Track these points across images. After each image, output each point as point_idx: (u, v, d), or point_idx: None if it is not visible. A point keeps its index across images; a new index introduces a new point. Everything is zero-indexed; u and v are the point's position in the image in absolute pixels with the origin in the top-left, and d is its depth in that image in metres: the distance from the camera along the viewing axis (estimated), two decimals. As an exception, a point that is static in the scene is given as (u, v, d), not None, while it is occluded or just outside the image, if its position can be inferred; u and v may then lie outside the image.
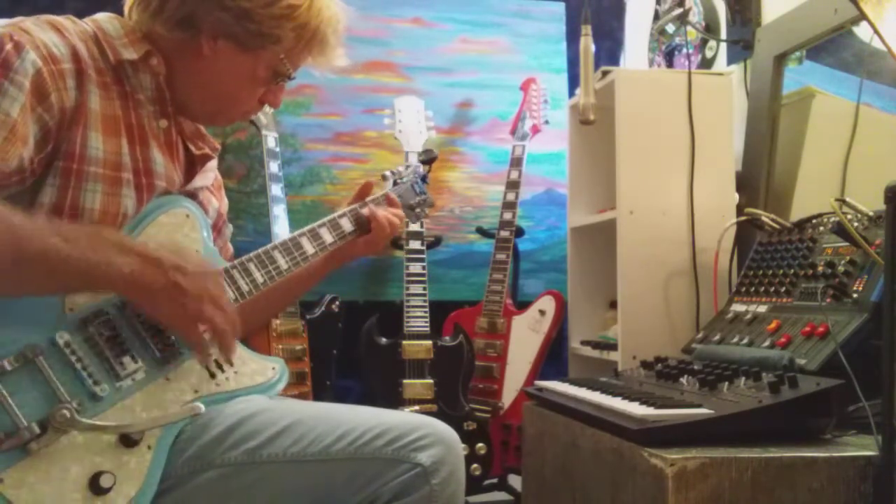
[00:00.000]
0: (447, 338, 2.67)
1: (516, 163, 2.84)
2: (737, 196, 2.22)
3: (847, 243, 1.53)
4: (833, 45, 2.07)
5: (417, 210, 1.67)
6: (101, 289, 1.14)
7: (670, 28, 2.70)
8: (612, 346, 2.25)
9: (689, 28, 2.62)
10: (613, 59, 3.24)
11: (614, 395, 1.47)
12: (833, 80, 2.13)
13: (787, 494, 1.18)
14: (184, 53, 1.29)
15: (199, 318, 1.15)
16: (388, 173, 1.66)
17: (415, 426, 1.25)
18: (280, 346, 2.49)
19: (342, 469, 1.21)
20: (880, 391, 1.11)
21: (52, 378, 1.09)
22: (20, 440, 1.04)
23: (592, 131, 2.41)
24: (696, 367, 1.55)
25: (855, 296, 1.46)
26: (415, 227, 2.65)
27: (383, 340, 2.60)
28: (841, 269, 1.52)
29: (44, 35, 1.15)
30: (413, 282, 2.63)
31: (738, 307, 1.77)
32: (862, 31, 1.94)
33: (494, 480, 2.72)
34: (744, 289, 1.80)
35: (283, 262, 1.37)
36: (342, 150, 2.94)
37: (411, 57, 3.04)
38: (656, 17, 2.93)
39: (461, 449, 1.29)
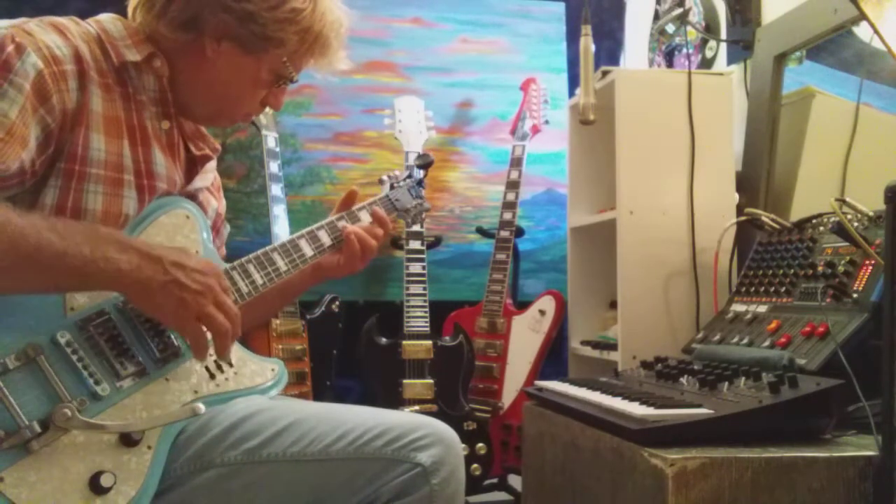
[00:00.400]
0: (447, 338, 2.67)
1: (516, 163, 2.84)
2: (737, 196, 2.22)
3: (847, 243, 1.53)
4: (833, 45, 2.07)
5: (413, 215, 1.67)
6: (99, 286, 1.14)
7: (670, 28, 2.70)
8: (612, 346, 2.25)
9: (689, 28, 2.62)
10: (613, 59, 3.24)
11: (614, 395, 1.47)
12: (833, 80, 2.13)
13: (787, 494, 1.18)
14: (187, 55, 1.29)
15: (199, 316, 1.15)
16: (384, 177, 1.65)
17: (415, 426, 1.25)
18: (280, 346, 2.49)
19: (342, 469, 1.21)
20: (880, 391, 1.11)
21: (53, 377, 1.09)
22: (21, 439, 1.04)
23: (592, 131, 2.41)
24: (696, 367, 1.55)
25: (855, 296, 1.46)
26: (415, 227, 2.65)
27: (383, 340, 2.60)
28: (841, 269, 1.52)
29: (46, 37, 1.15)
30: (413, 282, 2.63)
31: (738, 307, 1.77)
32: (862, 31, 1.94)
33: (494, 480, 2.72)
34: (744, 289, 1.80)
35: (282, 264, 1.37)
36: (342, 150, 2.94)
37: (411, 57, 3.04)
38: (656, 17, 2.93)
39: (461, 449, 1.29)
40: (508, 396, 2.73)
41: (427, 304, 2.63)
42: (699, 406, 1.30)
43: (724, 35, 2.50)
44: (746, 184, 2.23)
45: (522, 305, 2.83)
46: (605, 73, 2.28)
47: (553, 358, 2.78)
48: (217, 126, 1.45)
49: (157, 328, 1.21)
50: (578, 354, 2.54)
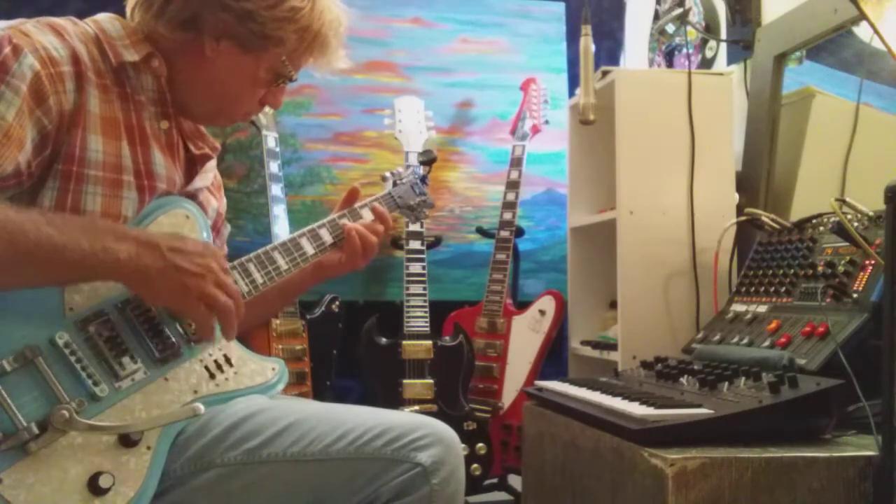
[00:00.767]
0: (447, 338, 2.67)
1: (516, 163, 2.83)
2: (737, 196, 2.22)
3: (847, 243, 1.53)
4: (833, 45, 2.07)
5: (417, 211, 1.67)
6: (99, 277, 1.14)
7: (670, 28, 2.70)
8: (612, 346, 2.25)
9: (689, 28, 2.62)
10: (613, 59, 3.24)
11: (614, 395, 1.47)
12: (833, 80, 2.13)
13: (787, 494, 1.18)
14: (186, 54, 1.29)
15: (201, 297, 1.15)
16: (387, 174, 1.65)
17: (415, 426, 1.25)
18: (280, 346, 2.49)
19: (342, 469, 1.21)
20: (880, 391, 1.11)
21: (52, 378, 1.09)
22: (19, 441, 1.04)
23: (592, 131, 2.41)
24: (696, 367, 1.54)
25: (855, 296, 1.45)
26: (415, 227, 2.65)
27: (383, 340, 2.60)
28: (841, 269, 1.52)
29: (43, 38, 1.15)
30: (413, 282, 2.63)
31: (738, 307, 1.77)
32: (862, 31, 1.94)
33: (494, 480, 2.72)
34: (744, 289, 1.80)
35: (282, 263, 1.37)
36: (342, 150, 2.94)
37: (411, 57, 3.04)
38: (656, 17, 2.93)
39: (461, 449, 1.29)
40: (508, 396, 2.73)
41: (427, 304, 2.63)
42: (699, 406, 1.30)
43: (724, 35, 2.50)
44: (746, 184, 2.23)
45: (522, 305, 2.83)
46: (605, 73, 2.28)
47: (553, 358, 2.78)
48: (216, 125, 1.45)
49: (156, 328, 1.21)
50: (578, 354, 2.54)
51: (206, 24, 1.26)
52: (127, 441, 1.12)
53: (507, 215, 2.80)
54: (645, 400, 1.37)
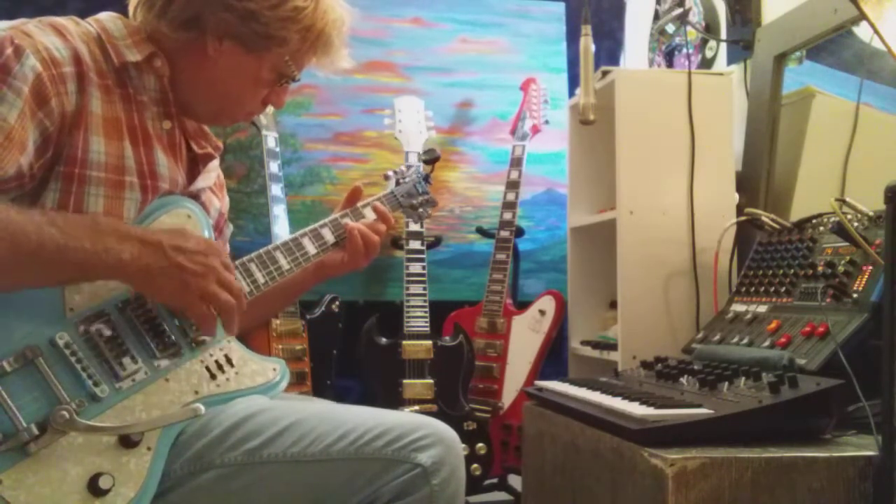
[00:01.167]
0: (447, 338, 2.67)
1: (516, 163, 2.83)
2: (737, 196, 2.22)
3: (847, 243, 1.53)
4: (833, 45, 2.07)
5: (420, 210, 1.67)
6: (101, 277, 1.14)
7: (670, 28, 2.70)
8: (612, 346, 2.25)
9: (689, 28, 2.62)
10: (613, 59, 3.24)
11: (614, 395, 1.47)
12: (833, 80, 2.13)
13: (787, 494, 1.18)
14: (188, 54, 1.29)
15: (203, 295, 1.16)
16: (390, 173, 1.65)
17: (415, 426, 1.25)
18: (280, 346, 2.49)
19: (342, 469, 1.21)
20: (880, 391, 1.11)
21: (52, 379, 1.09)
22: (19, 441, 1.04)
23: (592, 131, 2.41)
24: (696, 367, 1.54)
25: (855, 296, 1.46)
26: (415, 227, 2.65)
27: (383, 340, 2.60)
28: (841, 269, 1.52)
29: (45, 38, 1.15)
30: (413, 282, 2.63)
31: (738, 307, 1.77)
32: (862, 31, 1.94)
33: (494, 480, 2.72)
34: (744, 289, 1.80)
35: (284, 263, 1.37)
36: (342, 150, 2.94)
37: (411, 57, 3.04)
38: (656, 17, 2.93)
39: (461, 449, 1.29)
40: (508, 396, 2.73)
41: (427, 304, 2.63)
42: (699, 406, 1.30)
43: (724, 35, 2.50)
44: (746, 184, 2.23)
45: (522, 305, 2.83)
46: (605, 73, 2.28)
47: (553, 358, 2.78)
48: (219, 125, 1.45)
49: (156, 329, 1.21)
50: (578, 354, 2.54)
51: (209, 23, 1.26)
52: (127, 442, 1.12)
53: (507, 215, 2.80)
54: (645, 400, 1.37)
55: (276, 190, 2.60)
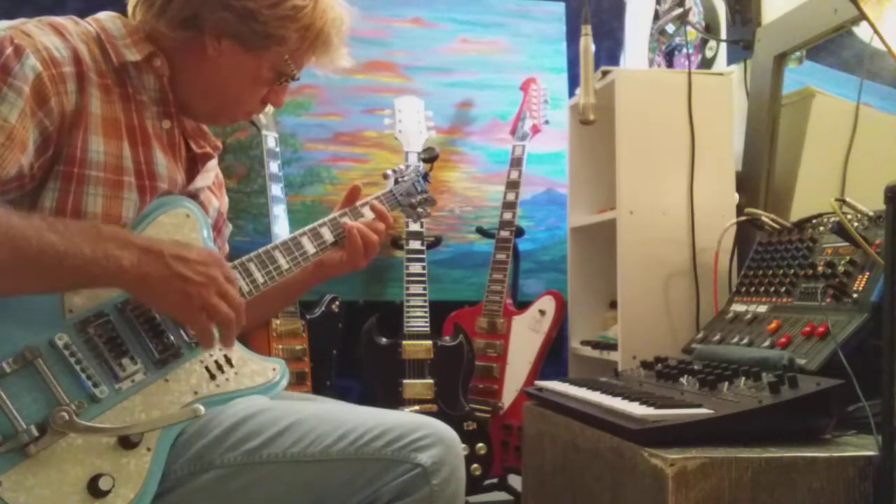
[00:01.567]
0: (447, 338, 2.67)
1: (516, 163, 2.83)
2: (737, 196, 2.22)
3: (847, 243, 1.53)
4: (833, 45, 2.07)
5: (419, 209, 1.67)
6: (101, 284, 1.14)
7: (670, 28, 2.70)
8: (612, 346, 2.25)
9: (689, 28, 2.62)
10: (613, 59, 3.24)
11: (614, 395, 1.47)
12: (833, 80, 2.13)
13: (787, 494, 1.18)
14: (187, 53, 1.29)
15: (202, 306, 1.15)
16: (389, 172, 1.65)
17: (415, 426, 1.25)
18: (280, 346, 2.49)
19: (342, 469, 1.21)
20: (880, 391, 1.11)
21: (52, 380, 1.09)
22: (19, 443, 1.04)
23: (592, 131, 2.41)
24: (696, 367, 1.54)
25: (855, 296, 1.45)
26: (415, 227, 2.65)
27: (383, 340, 2.60)
28: (841, 269, 1.52)
29: (45, 38, 1.14)
30: (413, 282, 2.63)
31: (738, 307, 1.77)
32: (862, 31, 1.94)
33: (494, 480, 2.72)
34: (744, 289, 1.80)
35: (283, 262, 1.36)
36: (342, 150, 2.94)
37: (411, 57, 3.04)
38: (656, 17, 2.93)
39: (461, 449, 1.29)
40: (508, 396, 2.73)
41: (427, 304, 2.63)
42: (699, 406, 1.30)
43: (724, 35, 2.50)
44: (746, 184, 2.23)
45: (522, 305, 2.83)
46: (605, 73, 2.28)
47: (553, 358, 2.78)
48: (218, 124, 1.45)
49: (156, 329, 1.21)
50: (578, 354, 2.54)
51: (208, 22, 1.25)
52: (127, 442, 1.12)
53: (507, 215, 2.80)
54: (645, 400, 1.37)
55: (276, 190, 2.60)
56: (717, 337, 1.71)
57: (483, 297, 2.81)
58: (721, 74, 2.28)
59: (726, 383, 1.40)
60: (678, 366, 1.60)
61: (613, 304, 2.41)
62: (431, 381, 2.58)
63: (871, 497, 1.18)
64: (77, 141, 1.16)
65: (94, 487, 1.07)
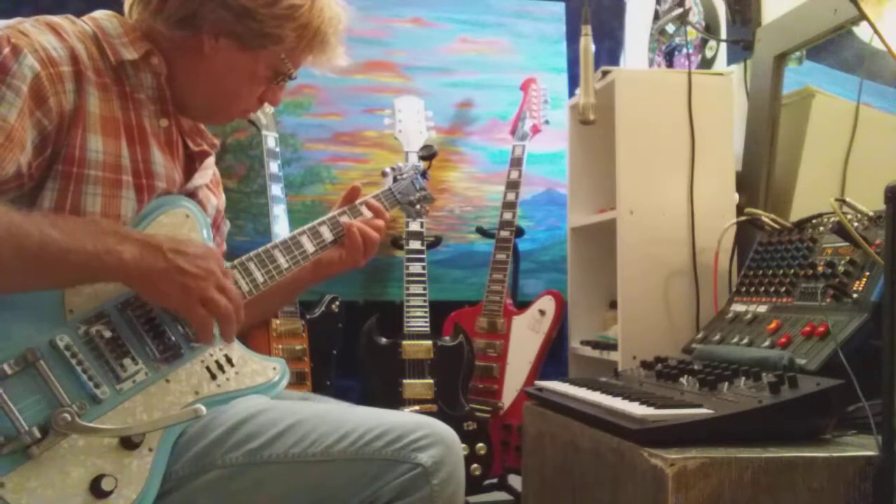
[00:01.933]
0: (447, 338, 2.67)
1: (516, 163, 2.83)
2: (737, 196, 2.22)
3: (847, 243, 1.53)
4: (833, 45, 2.07)
5: (418, 206, 1.67)
6: (102, 279, 1.14)
7: (670, 28, 2.70)
8: (612, 346, 2.25)
9: (689, 28, 2.62)
10: (613, 59, 3.24)
11: (614, 395, 1.47)
12: (833, 80, 2.13)
13: (787, 494, 1.18)
14: (184, 52, 1.29)
15: (202, 300, 1.15)
16: (387, 170, 1.66)
17: (415, 426, 1.25)
18: (280, 346, 2.49)
19: (343, 469, 1.21)
20: (880, 391, 1.11)
21: (53, 381, 1.09)
22: (21, 444, 1.04)
23: (592, 131, 2.41)
24: (696, 367, 1.55)
25: (855, 296, 1.46)
26: (415, 226, 2.66)
27: (383, 340, 2.60)
28: (841, 269, 1.52)
29: (42, 38, 1.15)
30: (413, 282, 2.63)
31: (738, 307, 1.77)
32: (862, 31, 1.94)
33: (494, 480, 2.72)
34: (744, 289, 1.80)
35: (283, 262, 1.37)
36: (342, 150, 2.94)
37: (411, 57, 3.04)
38: (656, 17, 2.93)
39: (461, 449, 1.29)
40: (508, 396, 2.73)
41: (427, 304, 2.63)
42: (699, 406, 1.30)
43: (724, 35, 2.50)
44: (746, 184, 2.23)
45: (522, 305, 2.83)
46: (605, 73, 2.28)
47: (553, 358, 2.78)
48: (215, 123, 1.45)
49: (157, 329, 1.21)
50: (578, 354, 2.54)
51: (205, 21, 1.26)
52: (129, 443, 1.12)
53: (507, 215, 2.80)
54: (645, 400, 1.37)
55: (276, 190, 2.60)
56: (717, 337, 1.71)
57: (483, 297, 2.81)
58: (721, 74, 2.28)
59: (726, 383, 1.40)
60: (678, 366, 1.60)
61: (613, 304, 2.41)
62: (431, 381, 2.58)
63: (871, 497, 1.18)
64: (75, 140, 1.16)
65: (96, 488, 1.07)
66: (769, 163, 2.19)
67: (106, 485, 1.08)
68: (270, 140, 2.65)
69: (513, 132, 2.90)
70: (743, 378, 1.40)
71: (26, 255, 1.04)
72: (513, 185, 2.81)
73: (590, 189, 2.58)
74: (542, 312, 2.75)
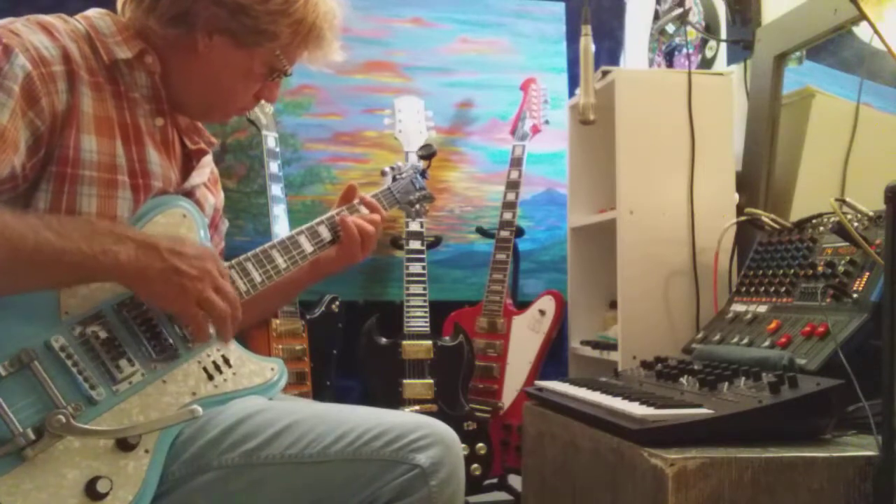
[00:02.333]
0: (447, 338, 2.66)
1: (516, 163, 2.83)
2: (737, 196, 2.21)
3: (847, 243, 1.53)
4: (833, 45, 2.07)
5: (417, 206, 1.67)
6: (98, 279, 1.14)
7: (670, 28, 2.70)
8: (612, 346, 2.25)
9: (689, 28, 2.62)
10: (613, 59, 3.24)
11: (614, 395, 1.47)
12: (833, 80, 2.12)
13: (787, 494, 1.18)
14: (178, 50, 1.28)
15: (199, 301, 1.15)
16: (386, 169, 1.66)
17: (414, 426, 1.24)
18: (280, 346, 2.49)
19: (341, 470, 1.21)
20: (880, 391, 1.11)
21: (48, 383, 1.08)
22: (15, 447, 1.04)
23: (592, 131, 2.41)
24: (696, 367, 1.54)
25: (855, 296, 1.45)
26: (415, 226, 2.65)
27: (383, 340, 2.60)
28: (841, 269, 1.52)
29: (34, 37, 1.14)
30: (413, 282, 2.63)
31: (738, 307, 1.77)
32: (862, 31, 1.94)
33: (494, 480, 2.72)
34: (744, 289, 1.80)
35: (281, 262, 1.36)
36: (342, 150, 2.94)
37: (411, 57, 3.04)
38: (656, 17, 2.92)
39: (461, 449, 1.28)
40: (508, 396, 2.73)
41: (427, 304, 2.62)
42: (699, 406, 1.30)
43: (724, 35, 2.49)
44: (746, 184, 2.23)
45: (522, 305, 2.83)
46: (605, 73, 2.27)
47: (553, 358, 2.78)
48: (211, 121, 1.45)
49: (153, 330, 1.20)
50: (578, 354, 2.53)
51: (199, 19, 1.25)
52: (125, 445, 1.11)
53: (507, 215, 2.80)
54: (645, 400, 1.36)
55: (275, 190, 2.60)
56: (717, 337, 1.70)
57: (483, 297, 2.81)
58: (721, 74, 2.27)
59: (726, 383, 1.40)
60: (678, 366, 1.60)
61: (613, 304, 2.41)
62: (431, 381, 2.58)
63: (871, 497, 1.18)
64: (69, 141, 1.15)
65: (91, 490, 1.07)
66: (769, 163, 2.19)
67: (101, 487, 1.07)
68: (270, 140, 2.64)
69: (513, 132, 2.90)
70: (743, 378, 1.40)
71: (21, 256, 1.04)
72: (513, 185, 2.81)
73: (590, 189, 2.57)
74: (542, 312, 2.74)
